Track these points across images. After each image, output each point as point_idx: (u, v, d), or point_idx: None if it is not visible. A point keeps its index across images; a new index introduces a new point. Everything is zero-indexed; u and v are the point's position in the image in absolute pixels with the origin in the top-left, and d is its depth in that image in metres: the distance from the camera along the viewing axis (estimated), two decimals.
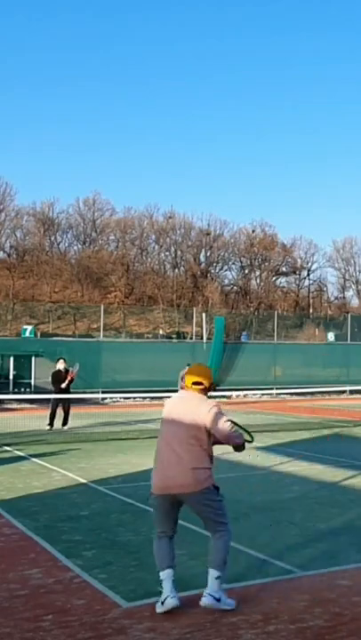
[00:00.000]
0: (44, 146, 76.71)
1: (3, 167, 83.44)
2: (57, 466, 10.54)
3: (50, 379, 17.06)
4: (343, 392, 32.19)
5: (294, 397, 29.42)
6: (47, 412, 16.31)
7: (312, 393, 28.81)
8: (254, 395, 29.47)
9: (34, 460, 11.26)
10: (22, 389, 26.84)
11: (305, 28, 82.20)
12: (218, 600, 4.52)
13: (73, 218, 55.88)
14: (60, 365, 16.81)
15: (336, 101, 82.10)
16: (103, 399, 25.07)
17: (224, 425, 4.77)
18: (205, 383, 4.94)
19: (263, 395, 29.64)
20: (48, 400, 20.61)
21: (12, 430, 15.56)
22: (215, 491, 4.75)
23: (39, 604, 4.70)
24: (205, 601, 4.52)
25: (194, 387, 4.93)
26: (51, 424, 15.92)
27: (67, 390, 16.46)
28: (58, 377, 16.59)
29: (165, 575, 4.57)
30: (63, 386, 16.24)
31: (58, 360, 17.21)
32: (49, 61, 76.58)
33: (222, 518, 4.72)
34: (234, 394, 27.64)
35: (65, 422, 16.07)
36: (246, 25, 79.96)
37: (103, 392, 26.06)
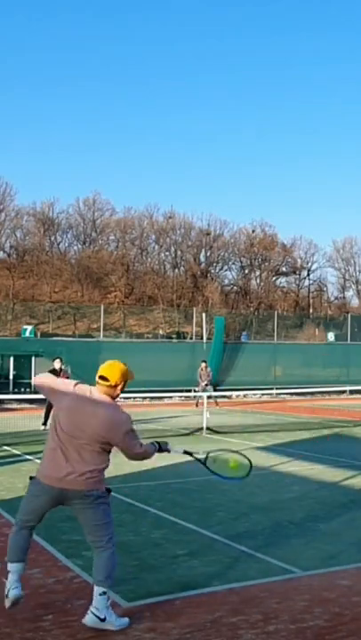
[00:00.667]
0: (44, 146, 76.71)
1: (3, 167, 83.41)
2: None
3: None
4: (343, 392, 32.18)
5: (294, 397, 29.41)
6: (51, 412, 16.28)
7: (312, 393, 28.81)
8: (254, 395, 29.47)
9: (34, 460, 11.25)
10: (22, 389, 26.83)
11: (305, 28, 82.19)
12: (102, 620, 4.21)
13: (73, 218, 55.88)
14: (56, 365, 16.82)
15: (336, 101, 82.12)
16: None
17: None
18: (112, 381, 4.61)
19: (263, 395, 29.64)
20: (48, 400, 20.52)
21: (12, 430, 15.55)
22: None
23: (39, 603, 4.70)
24: (87, 619, 4.24)
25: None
26: (45, 423, 15.91)
27: None
28: (55, 375, 16.55)
29: (12, 568, 4.30)
30: None
31: (54, 359, 17.22)
32: (49, 61, 76.60)
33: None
34: (234, 394, 27.64)
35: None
36: (246, 25, 79.96)
37: None
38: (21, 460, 11.24)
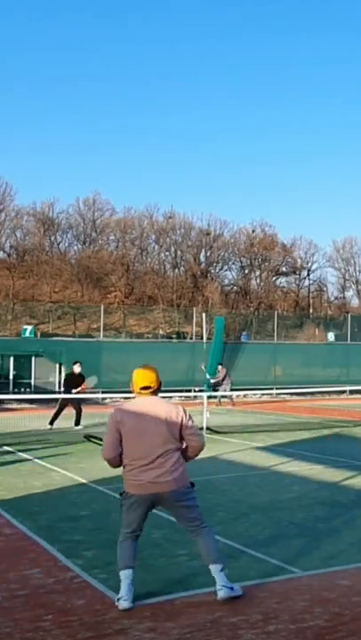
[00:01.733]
0: (44, 146, 76.74)
1: (3, 167, 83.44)
2: (57, 466, 10.54)
3: (62, 380, 17.01)
4: (343, 392, 32.18)
5: (294, 397, 29.41)
6: (49, 412, 16.34)
7: (312, 393, 28.81)
8: (254, 395, 29.46)
9: (34, 460, 11.26)
10: (22, 389, 26.84)
11: (305, 28, 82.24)
12: (231, 589, 4.72)
13: (73, 218, 55.88)
14: (76, 369, 16.76)
15: (336, 101, 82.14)
16: (103, 399, 25.05)
17: None
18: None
19: (263, 395, 29.64)
20: (48, 400, 20.61)
21: (12, 430, 15.55)
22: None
23: (39, 603, 4.70)
24: (222, 594, 4.66)
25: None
26: (52, 423, 15.94)
27: (77, 392, 16.54)
28: (72, 380, 16.53)
29: (123, 575, 4.68)
30: (74, 391, 16.22)
31: (75, 363, 17.06)
32: (49, 61, 76.63)
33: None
34: (234, 394, 27.64)
35: (77, 422, 16.10)
36: (246, 25, 79.99)
37: (103, 392, 26.04)
38: (21, 460, 11.24)
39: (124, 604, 4.56)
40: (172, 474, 4.69)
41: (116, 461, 4.80)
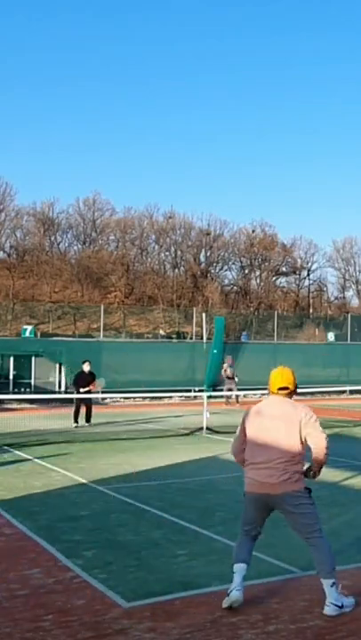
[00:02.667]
0: (44, 146, 76.69)
1: (3, 167, 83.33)
2: (57, 466, 10.54)
3: (72, 379, 17.19)
4: (343, 392, 32.17)
5: (294, 397, 29.37)
6: (49, 412, 16.45)
7: (312, 393, 28.80)
8: (254, 395, 29.44)
9: (34, 460, 11.26)
10: (22, 389, 26.83)
11: (305, 28, 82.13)
12: (340, 607, 4.54)
13: (73, 218, 55.85)
14: (86, 368, 16.92)
15: (336, 101, 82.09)
16: (103, 399, 25.04)
17: None
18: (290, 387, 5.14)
19: (263, 395, 29.60)
20: (48, 400, 20.78)
21: (12, 430, 15.55)
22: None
23: (39, 603, 4.70)
24: (328, 611, 4.51)
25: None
26: (76, 421, 16.22)
27: (88, 392, 16.69)
28: (83, 378, 16.75)
29: (236, 568, 4.69)
30: (82, 390, 16.39)
31: (84, 362, 17.23)
32: (49, 61, 76.58)
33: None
34: (234, 394, 27.63)
35: (88, 419, 16.33)
36: (246, 25, 79.92)
37: (103, 392, 26.04)
38: (21, 460, 11.24)
39: (236, 593, 4.55)
40: (282, 476, 4.65)
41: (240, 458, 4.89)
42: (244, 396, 28.82)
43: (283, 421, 4.78)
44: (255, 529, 4.82)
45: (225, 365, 25.87)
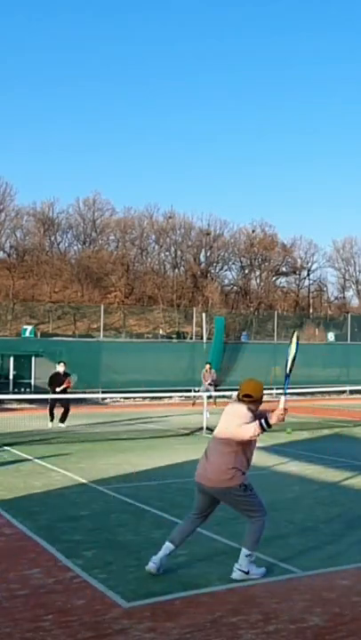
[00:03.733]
0: (44, 146, 76.70)
1: (3, 167, 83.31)
2: (57, 466, 10.54)
3: (47, 380, 17.20)
4: (343, 392, 32.17)
5: (294, 397, 29.41)
6: (46, 412, 16.48)
7: (312, 393, 28.81)
8: None
9: (34, 460, 11.26)
10: (22, 389, 26.83)
11: (305, 28, 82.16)
12: (246, 572, 5.15)
13: (73, 218, 55.87)
14: (60, 368, 16.92)
15: (336, 101, 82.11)
16: (103, 399, 25.05)
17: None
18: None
19: (263, 395, 29.58)
20: (48, 400, 20.78)
21: (12, 430, 15.55)
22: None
23: (39, 603, 4.70)
24: (235, 575, 5.14)
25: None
26: (52, 420, 16.20)
27: (64, 391, 16.60)
28: (56, 379, 16.74)
29: (164, 546, 5.29)
30: (58, 390, 16.37)
31: (59, 363, 17.29)
32: (49, 61, 76.60)
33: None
34: (234, 394, 27.60)
35: (63, 419, 16.27)
36: (246, 25, 79.94)
37: (103, 392, 26.04)
38: (21, 460, 11.24)
39: (151, 565, 5.18)
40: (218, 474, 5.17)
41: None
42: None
43: (228, 416, 5.31)
44: (200, 513, 5.43)
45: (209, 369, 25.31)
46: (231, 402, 5.60)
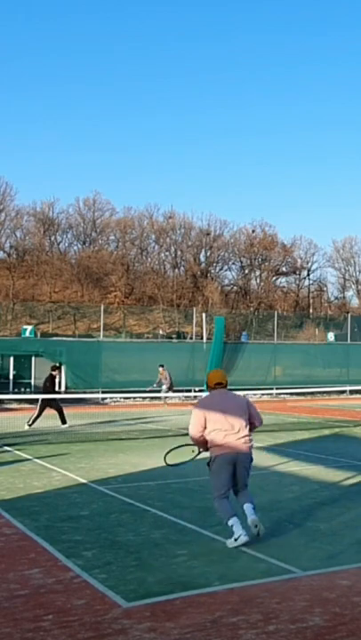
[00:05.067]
0: (44, 146, 76.75)
1: (3, 167, 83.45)
2: (57, 466, 10.54)
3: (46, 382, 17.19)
4: (343, 392, 32.18)
5: (294, 397, 29.41)
6: (49, 412, 16.42)
7: (312, 393, 28.82)
8: (254, 395, 29.46)
9: (34, 460, 11.26)
10: (22, 389, 26.83)
11: (305, 28, 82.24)
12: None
13: (73, 218, 55.93)
14: (55, 373, 17.10)
15: (336, 101, 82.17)
16: (103, 399, 25.06)
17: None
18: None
19: (263, 395, 29.64)
20: (48, 400, 20.81)
21: (12, 430, 15.55)
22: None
23: (39, 603, 4.69)
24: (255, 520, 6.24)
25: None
26: (31, 424, 16.17)
27: (53, 392, 16.66)
28: (52, 383, 16.83)
29: (234, 520, 6.14)
30: (52, 389, 16.50)
31: (52, 367, 17.45)
32: (49, 61, 76.63)
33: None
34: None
35: (63, 421, 16.22)
36: (246, 25, 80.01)
37: (103, 392, 26.05)
38: (21, 460, 11.24)
39: (245, 537, 6.01)
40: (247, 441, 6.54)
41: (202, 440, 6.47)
42: (244, 396, 28.80)
43: (236, 399, 6.77)
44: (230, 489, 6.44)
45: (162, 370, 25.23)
46: (216, 392, 6.66)
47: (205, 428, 6.37)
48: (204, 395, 17.60)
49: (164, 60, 79.61)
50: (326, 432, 15.96)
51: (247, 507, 6.33)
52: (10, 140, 73.01)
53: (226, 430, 6.37)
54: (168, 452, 7.61)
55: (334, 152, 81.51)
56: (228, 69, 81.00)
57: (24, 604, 4.69)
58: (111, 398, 24.99)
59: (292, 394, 29.12)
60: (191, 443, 6.73)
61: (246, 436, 6.54)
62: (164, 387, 24.40)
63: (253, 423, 6.72)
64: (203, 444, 6.50)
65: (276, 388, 28.50)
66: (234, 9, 79.43)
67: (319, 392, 28.70)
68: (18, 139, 75.57)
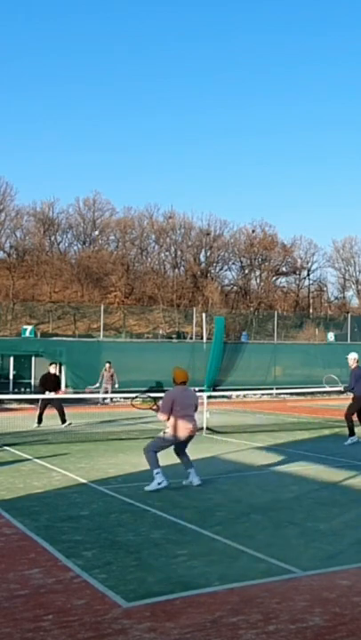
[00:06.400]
0: (44, 146, 76.75)
1: (3, 167, 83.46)
2: (57, 466, 10.54)
3: (39, 380, 17.20)
4: (343, 392, 32.12)
5: (294, 397, 29.40)
6: (49, 412, 16.45)
7: (312, 393, 28.79)
8: (254, 395, 29.46)
9: (34, 460, 11.26)
10: (22, 389, 26.83)
11: (305, 28, 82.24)
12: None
13: (73, 218, 55.92)
14: (52, 370, 17.00)
15: (336, 101, 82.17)
16: (103, 399, 25.04)
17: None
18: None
19: (263, 395, 29.63)
20: (48, 400, 20.85)
21: (12, 430, 15.55)
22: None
23: (39, 603, 4.69)
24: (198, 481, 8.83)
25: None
26: (39, 422, 16.15)
27: (54, 391, 16.65)
28: (47, 380, 16.74)
29: (160, 470, 8.56)
30: (50, 395, 16.39)
31: (50, 364, 17.48)
32: (49, 61, 76.63)
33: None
34: (234, 394, 27.60)
35: (63, 420, 16.23)
36: (247, 24, 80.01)
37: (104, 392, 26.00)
38: (21, 460, 11.24)
39: (165, 483, 8.43)
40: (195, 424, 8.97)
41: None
42: (244, 396, 28.85)
43: (192, 394, 9.17)
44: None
45: (108, 367, 25.01)
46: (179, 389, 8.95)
47: (172, 409, 8.66)
48: (203, 394, 17.71)
49: (164, 60, 79.68)
50: (326, 432, 15.97)
51: (192, 472, 8.90)
52: (10, 140, 73.06)
53: (185, 413, 8.77)
54: (134, 398, 10.70)
55: (334, 152, 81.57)
56: (228, 69, 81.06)
57: (24, 604, 4.69)
58: (111, 398, 24.97)
59: (292, 394, 29.11)
60: (151, 398, 9.91)
61: (194, 420, 8.92)
62: (106, 386, 24.32)
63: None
64: (167, 418, 8.72)
65: (276, 388, 28.49)
66: (234, 9, 79.47)
67: (319, 392, 28.66)
68: (18, 139, 75.62)
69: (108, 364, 24.99)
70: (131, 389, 25.04)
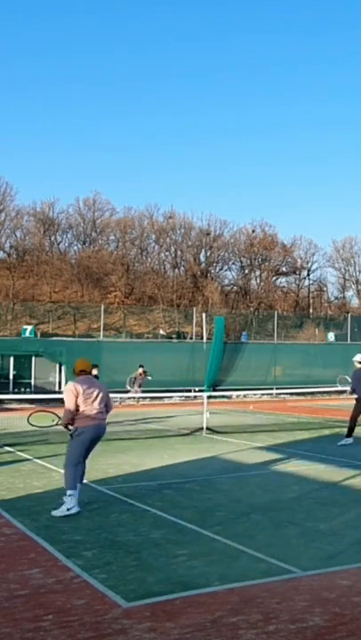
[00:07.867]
0: (44, 146, 76.75)
1: (3, 167, 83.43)
2: (57, 466, 10.52)
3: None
4: (343, 392, 32.13)
5: (294, 397, 29.41)
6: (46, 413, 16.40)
7: (312, 393, 28.81)
8: (254, 395, 29.46)
9: (34, 460, 11.26)
10: (22, 389, 26.83)
11: (305, 28, 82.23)
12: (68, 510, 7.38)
13: (73, 218, 55.91)
14: (94, 372, 16.92)
15: (336, 101, 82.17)
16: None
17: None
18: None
19: (263, 395, 29.63)
20: (48, 400, 20.85)
21: (12, 430, 15.55)
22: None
23: (39, 603, 4.69)
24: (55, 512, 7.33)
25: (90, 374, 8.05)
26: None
27: None
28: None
29: (74, 493, 7.38)
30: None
31: (93, 367, 17.23)
32: (49, 61, 76.64)
33: None
34: (234, 394, 27.60)
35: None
36: (246, 24, 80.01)
37: None
38: (21, 460, 11.24)
39: (75, 509, 7.27)
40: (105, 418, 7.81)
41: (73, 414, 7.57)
42: (244, 396, 28.85)
43: (102, 387, 7.96)
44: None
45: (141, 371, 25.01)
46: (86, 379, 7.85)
47: (77, 404, 7.55)
48: (203, 394, 17.71)
49: (164, 60, 79.66)
50: (326, 432, 15.96)
51: (74, 493, 7.51)
52: (10, 140, 73.05)
53: (92, 407, 7.65)
54: (31, 415, 9.65)
55: (334, 152, 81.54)
56: (228, 69, 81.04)
57: (24, 604, 4.69)
58: (111, 399, 24.97)
59: (292, 394, 29.11)
60: (52, 412, 9.14)
61: (104, 413, 7.80)
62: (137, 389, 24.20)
63: (108, 405, 7.93)
64: (72, 416, 7.55)
65: (276, 388, 28.49)
66: (234, 9, 79.45)
67: (319, 392, 28.67)
68: (18, 139, 75.59)
69: (141, 369, 24.83)
70: (130, 389, 25.06)
